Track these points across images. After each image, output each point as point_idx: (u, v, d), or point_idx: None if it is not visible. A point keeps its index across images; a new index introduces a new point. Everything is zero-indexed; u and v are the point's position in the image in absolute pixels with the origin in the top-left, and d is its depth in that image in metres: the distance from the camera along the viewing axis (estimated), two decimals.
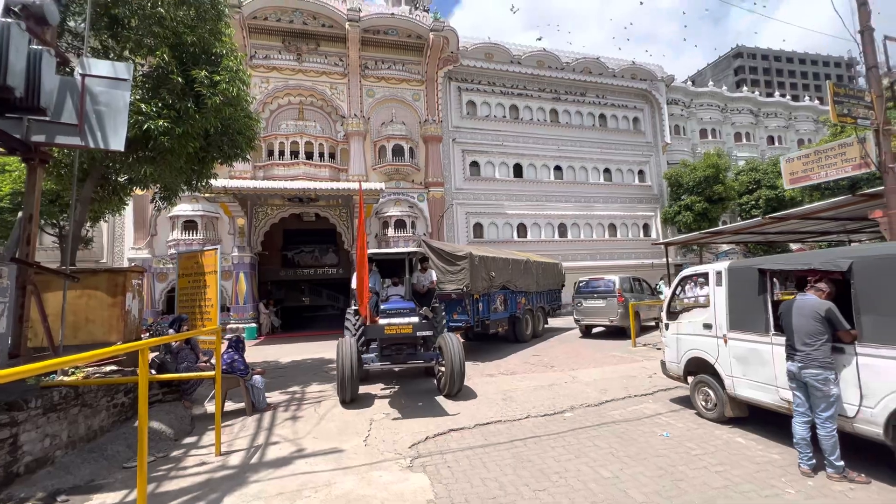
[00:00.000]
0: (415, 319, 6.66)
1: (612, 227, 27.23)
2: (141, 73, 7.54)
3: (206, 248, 7.94)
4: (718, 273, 5.20)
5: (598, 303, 13.34)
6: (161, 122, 6.66)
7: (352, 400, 6.60)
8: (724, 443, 4.63)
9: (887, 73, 8.45)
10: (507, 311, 12.39)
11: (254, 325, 17.96)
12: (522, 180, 25.47)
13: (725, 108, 32.65)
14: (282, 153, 20.44)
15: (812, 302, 3.82)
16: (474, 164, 24.91)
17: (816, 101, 36.52)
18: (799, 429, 3.88)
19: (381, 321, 6.57)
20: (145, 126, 6.59)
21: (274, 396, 7.35)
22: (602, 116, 28.13)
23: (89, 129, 4.40)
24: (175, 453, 4.96)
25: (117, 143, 4.48)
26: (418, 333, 6.53)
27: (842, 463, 3.64)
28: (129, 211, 18.36)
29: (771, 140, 33.59)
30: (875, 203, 8.39)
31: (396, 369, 8.68)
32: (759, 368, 4.63)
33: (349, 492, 3.81)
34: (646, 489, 3.66)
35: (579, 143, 26.98)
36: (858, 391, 3.65)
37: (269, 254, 21.24)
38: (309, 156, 20.64)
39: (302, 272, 24.50)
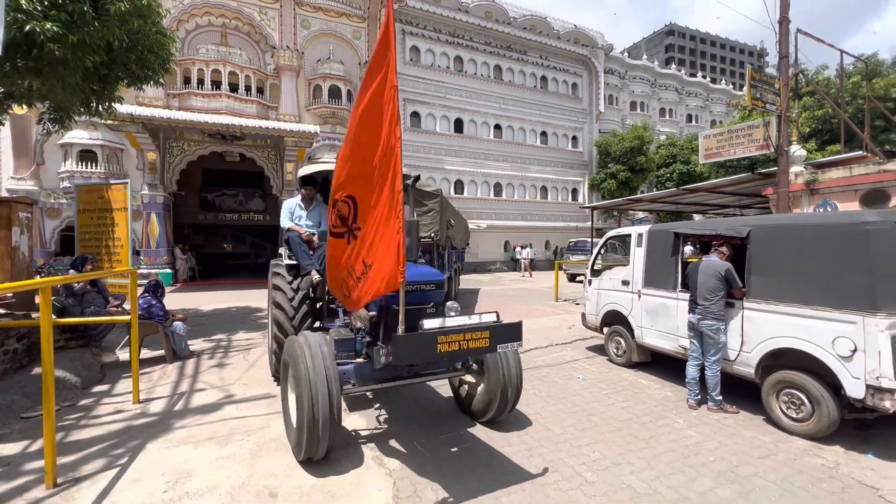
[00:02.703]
0: (484, 320, 3.03)
1: (544, 190, 28.34)
2: None
3: (112, 182, 7.01)
4: (640, 235, 5.69)
5: (580, 257, 17.50)
6: (49, 26, 5.53)
7: (325, 455, 3.23)
8: (629, 383, 5.27)
9: (793, 64, 9.37)
10: (449, 270, 10.79)
11: (169, 270, 16.58)
12: (463, 136, 25.30)
13: (655, 83, 34.45)
14: (201, 82, 18.22)
15: (715, 263, 4.35)
16: (415, 115, 24.18)
17: (730, 86, 39.80)
18: (691, 370, 4.53)
19: (428, 325, 2.85)
20: (27, 27, 5.45)
21: (197, 344, 6.97)
22: (543, 78, 28.37)
23: None
24: (84, 402, 4.58)
25: None
26: (499, 348, 2.94)
27: (720, 398, 4.35)
28: (5, 132, 15.55)
29: (689, 118, 36.32)
30: (768, 181, 9.55)
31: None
32: (664, 320, 5.25)
33: (283, 434, 3.82)
34: (564, 423, 4.09)
35: (520, 103, 27.16)
36: (740, 339, 4.30)
37: (185, 194, 19.37)
38: (233, 88, 18.64)
39: (224, 217, 22.81)
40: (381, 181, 2.72)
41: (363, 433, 3.92)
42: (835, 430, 3.68)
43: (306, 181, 5.00)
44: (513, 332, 2.95)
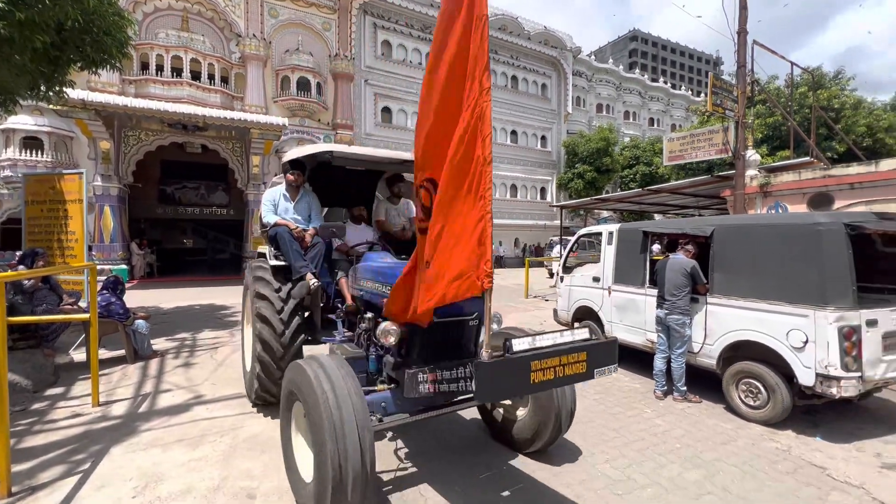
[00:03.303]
0: (577, 336, 2.26)
1: (514, 188, 28.75)
2: None
3: (66, 171, 6.56)
4: (610, 233, 5.89)
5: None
6: None
7: None
8: None
9: (749, 73, 9.92)
10: None
11: (124, 266, 15.69)
12: None
13: (620, 86, 35.57)
14: (160, 69, 17.34)
15: (681, 260, 4.57)
16: (386, 110, 23.94)
17: (689, 92, 41.64)
18: (659, 363, 4.74)
19: (519, 345, 2.03)
20: None
21: (160, 343, 6.66)
22: (514, 78, 28.73)
23: None
24: (38, 406, 4.30)
25: None
26: (596, 374, 2.26)
27: (685, 388, 4.58)
28: None
29: (652, 122, 37.75)
30: (726, 184, 10.08)
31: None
32: (633, 315, 5.46)
33: (259, 433, 3.73)
34: None
35: (492, 102, 27.32)
36: (704, 332, 4.55)
37: (143, 187, 18.38)
38: (195, 76, 17.85)
39: (185, 211, 21.82)
40: (461, 149, 2.04)
41: (384, 477, 3.09)
42: (787, 416, 3.96)
43: (294, 165, 4.20)
44: (609, 352, 2.26)
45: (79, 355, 5.86)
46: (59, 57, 6.75)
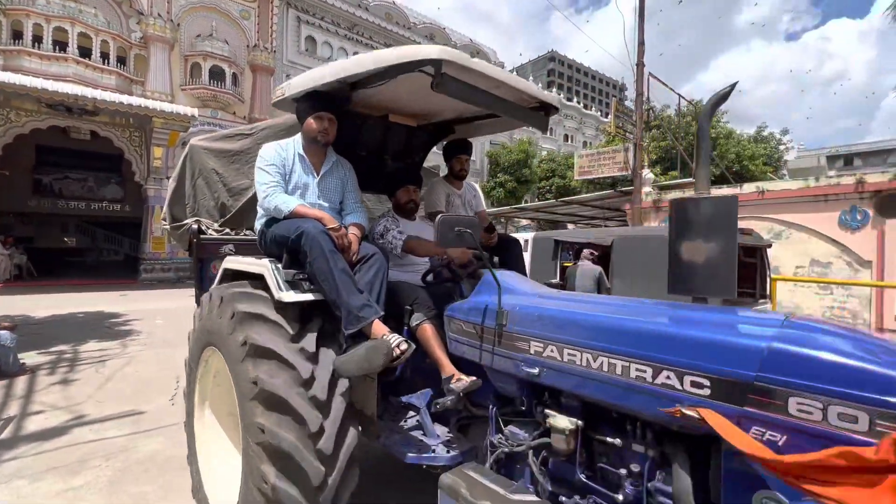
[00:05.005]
0: None
1: None
2: None
3: None
4: (526, 241, 6.28)
5: None
6: None
7: None
8: None
9: (646, 100, 11.18)
10: None
11: None
12: None
13: None
14: (38, 40, 15.05)
15: (590, 267, 5.04)
16: None
17: (598, 113, 45.69)
18: None
19: None
20: None
21: (31, 358, 5.76)
22: None
23: None
24: None
25: None
26: None
27: None
28: None
29: (566, 138, 40.73)
30: (626, 199, 11.23)
31: None
32: None
33: (156, 453, 3.39)
34: None
35: None
36: None
37: (11, 175, 15.74)
38: (85, 53, 15.76)
39: (67, 205, 19.12)
40: None
41: None
42: None
43: (318, 100, 2.18)
44: None
45: None
46: None
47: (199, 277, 3.15)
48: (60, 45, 15.34)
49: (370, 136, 2.80)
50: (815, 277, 8.06)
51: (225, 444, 2.47)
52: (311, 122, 2.21)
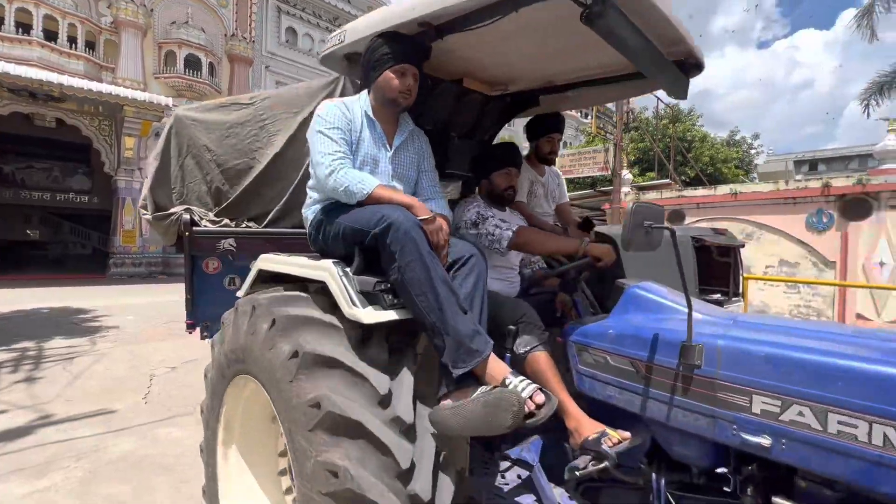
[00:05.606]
0: None
1: None
2: None
3: None
4: None
5: None
6: None
7: None
8: None
9: (626, 102, 11.42)
10: None
11: None
12: None
13: None
14: (0, 22, 14.29)
15: None
16: None
17: (579, 114, 46.29)
18: None
19: None
20: None
21: None
22: None
23: None
24: None
25: None
26: None
27: None
28: None
29: None
30: (606, 198, 11.44)
31: None
32: None
33: (129, 453, 3.28)
34: None
35: None
36: None
37: None
38: (51, 37, 15.05)
39: (30, 195, 18.27)
40: None
41: None
42: None
43: (400, 48, 1.60)
44: None
45: None
46: None
47: (191, 281, 2.50)
48: (24, 27, 14.60)
49: (441, 105, 2.16)
50: (784, 277, 8.39)
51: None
52: (390, 77, 1.61)
